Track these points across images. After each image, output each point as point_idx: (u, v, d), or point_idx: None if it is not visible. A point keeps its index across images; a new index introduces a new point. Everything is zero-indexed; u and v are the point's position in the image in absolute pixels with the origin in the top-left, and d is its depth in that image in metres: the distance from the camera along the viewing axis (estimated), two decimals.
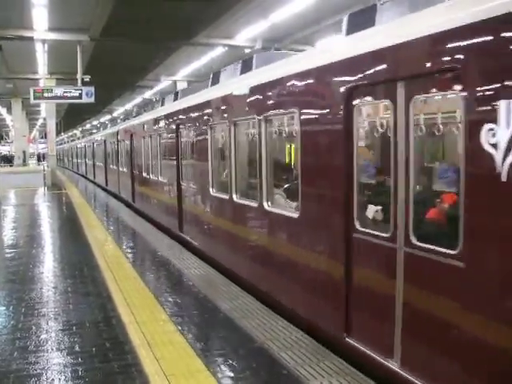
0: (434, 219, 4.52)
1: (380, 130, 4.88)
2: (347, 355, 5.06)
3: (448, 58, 3.88)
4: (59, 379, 4.70)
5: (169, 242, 11.08)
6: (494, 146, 3.45)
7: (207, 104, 9.69)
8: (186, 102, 11.68)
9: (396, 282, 4.43)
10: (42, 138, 64.92)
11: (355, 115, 5.06)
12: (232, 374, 4.72)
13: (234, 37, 21.08)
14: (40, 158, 60.70)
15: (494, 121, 3.42)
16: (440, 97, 4.31)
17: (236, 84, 8.61)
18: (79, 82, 21.48)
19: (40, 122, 61.11)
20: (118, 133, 21.51)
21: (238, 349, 5.31)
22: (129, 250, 10.51)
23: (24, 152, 41.82)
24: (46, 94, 20.93)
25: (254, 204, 7.52)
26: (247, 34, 20.57)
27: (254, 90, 7.56)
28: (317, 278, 5.84)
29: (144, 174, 16.02)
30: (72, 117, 53.30)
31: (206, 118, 9.77)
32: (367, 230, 4.93)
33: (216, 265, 8.85)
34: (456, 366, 3.87)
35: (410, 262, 4.32)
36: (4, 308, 6.90)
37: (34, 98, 20.96)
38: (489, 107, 3.48)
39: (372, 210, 5.07)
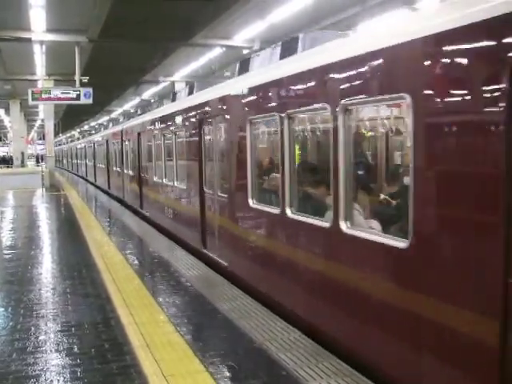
0: None
1: None
2: None
3: None
4: (58, 380, 4.69)
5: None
6: None
7: (246, 94, 7.81)
8: (212, 93, 9.79)
9: None
10: (40, 139, 64.82)
11: None
12: (231, 375, 4.72)
13: (231, 37, 21.10)
14: (39, 159, 60.62)
15: None
16: None
17: (289, 66, 6.71)
18: (77, 83, 21.45)
19: (38, 123, 61.05)
20: (122, 132, 20.09)
21: (237, 349, 5.31)
22: (127, 252, 10.50)
23: (22, 153, 41.73)
24: (44, 95, 20.89)
25: (323, 223, 5.64)
26: (245, 35, 20.60)
27: (327, 70, 5.56)
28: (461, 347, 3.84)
29: (155, 178, 14.25)
30: (70, 118, 53.27)
31: (243, 110, 7.86)
32: None
33: (255, 293, 7.16)
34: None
35: None
36: (3, 309, 6.89)
37: (32, 100, 20.93)
38: None
39: None
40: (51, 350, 5.39)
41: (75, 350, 5.39)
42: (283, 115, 6.42)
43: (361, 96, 4.96)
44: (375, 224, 5.42)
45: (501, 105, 3.38)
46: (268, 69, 7.72)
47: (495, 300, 3.42)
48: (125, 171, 19.70)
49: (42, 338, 5.75)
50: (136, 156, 17.02)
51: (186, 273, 8.43)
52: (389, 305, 4.53)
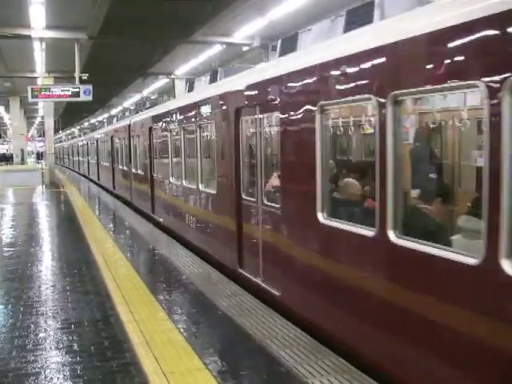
0: None
1: None
2: None
3: None
4: (58, 378, 4.69)
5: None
6: None
7: (318, 70, 5.75)
8: (254, 75, 7.90)
9: None
10: (39, 136, 64.79)
11: None
12: (231, 372, 4.72)
13: (231, 34, 21.04)
14: (39, 156, 60.56)
15: None
16: None
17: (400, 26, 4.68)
18: (77, 80, 21.41)
19: (38, 120, 61.00)
20: (130, 127, 18.39)
21: (237, 347, 5.32)
22: (126, 248, 10.49)
23: (22, 150, 41.74)
24: (43, 93, 20.84)
25: (457, 257, 3.80)
26: (245, 32, 20.54)
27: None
28: None
29: (172, 180, 12.41)
30: (70, 115, 53.21)
31: (310, 94, 5.90)
32: None
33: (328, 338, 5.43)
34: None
35: None
36: (2, 306, 6.89)
37: (32, 97, 20.89)
38: None
39: None
40: (51, 348, 5.39)
41: (75, 347, 5.39)
42: (384, 100, 4.52)
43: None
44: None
45: None
46: (357, 35, 5.44)
47: None
48: (133, 170, 18.00)
49: (41, 335, 5.75)
50: (147, 153, 15.25)
51: (185, 270, 8.42)
52: None
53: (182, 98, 12.76)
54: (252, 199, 7.64)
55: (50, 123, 28.44)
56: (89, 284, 7.81)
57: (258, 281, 7.29)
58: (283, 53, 7.44)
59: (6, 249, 10.72)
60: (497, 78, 3.38)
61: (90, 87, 20.70)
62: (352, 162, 7.48)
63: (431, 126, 5.32)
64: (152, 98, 34.13)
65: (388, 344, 4.52)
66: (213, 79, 10.97)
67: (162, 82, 32.21)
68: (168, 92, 32.16)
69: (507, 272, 3.32)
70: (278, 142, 6.71)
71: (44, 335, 5.75)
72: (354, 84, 5.08)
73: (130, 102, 42.82)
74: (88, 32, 20.13)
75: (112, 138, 23.22)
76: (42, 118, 38.98)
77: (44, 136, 35.19)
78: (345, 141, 7.40)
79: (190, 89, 12.70)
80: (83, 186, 29.26)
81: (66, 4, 17.29)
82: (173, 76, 30.38)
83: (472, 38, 3.67)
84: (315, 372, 4.65)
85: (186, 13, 17.53)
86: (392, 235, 4.45)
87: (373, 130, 4.98)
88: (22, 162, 40.38)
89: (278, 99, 6.59)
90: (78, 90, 20.75)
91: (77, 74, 21.43)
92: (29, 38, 20.22)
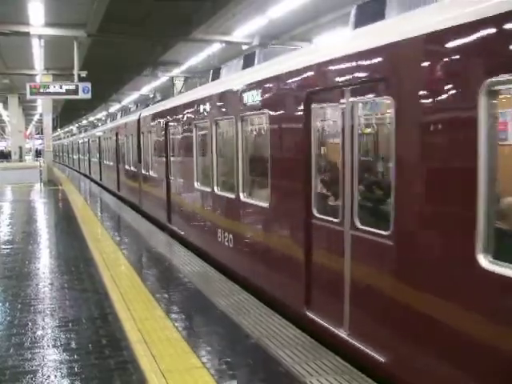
0: None
1: None
2: None
3: None
4: (55, 375, 4.68)
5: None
6: None
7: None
8: (348, 45, 5.40)
9: None
10: (38, 133, 64.67)
11: None
12: (228, 371, 4.71)
13: (231, 33, 21.02)
14: (37, 153, 60.39)
15: None
16: None
17: None
18: (76, 77, 21.38)
19: (36, 117, 60.87)
20: (139, 122, 16.29)
21: (235, 345, 5.31)
22: (124, 247, 10.47)
23: (20, 148, 41.67)
24: (42, 90, 20.81)
25: None
26: (244, 31, 20.52)
27: None
28: None
29: (198, 186, 10.31)
30: (69, 112, 53.12)
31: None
32: None
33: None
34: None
35: None
36: (0, 304, 6.87)
37: (31, 94, 20.86)
38: None
39: None
40: (48, 346, 5.38)
41: (72, 345, 5.38)
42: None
43: None
44: None
45: None
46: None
47: None
48: (142, 171, 15.89)
49: (39, 333, 5.74)
50: (161, 153, 13.17)
51: (183, 269, 8.41)
52: None
53: (214, 85, 9.92)
54: (331, 219, 5.53)
55: (48, 120, 28.39)
56: (87, 282, 7.80)
57: (342, 334, 5.26)
58: (356, 25, 5.54)
59: (3, 246, 10.70)
60: None
61: (89, 85, 20.67)
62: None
63: None
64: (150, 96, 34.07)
65: None
66: (247, 64, 8.88)
67: (159, 81, 32.16)
68: (163, 91, 32.01)
69: None
70: (393, 138, 4.47)
71: (42, 333, 5.74)
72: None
73: (128, 100, 42.77)
74: (87, 29, 20.09)
75: (117, 134, 21.24)
76: (41, 115, 38.88)
77: (42, 133, 35.13)
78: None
79: (215, 77, 10.45)
80: (83, 184, 29.20)
81: (65, 1, 17.24)
82: (172, 74, 30.35)
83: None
84: (313, 372, 4.64)
85: (185, 10, 17.52)
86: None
87: None
88: (21, 159, 40.32)
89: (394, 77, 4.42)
90: (76, 87, 20.73)
91: (75, 72, 21.41)
92: (27, 35, 20.19)
